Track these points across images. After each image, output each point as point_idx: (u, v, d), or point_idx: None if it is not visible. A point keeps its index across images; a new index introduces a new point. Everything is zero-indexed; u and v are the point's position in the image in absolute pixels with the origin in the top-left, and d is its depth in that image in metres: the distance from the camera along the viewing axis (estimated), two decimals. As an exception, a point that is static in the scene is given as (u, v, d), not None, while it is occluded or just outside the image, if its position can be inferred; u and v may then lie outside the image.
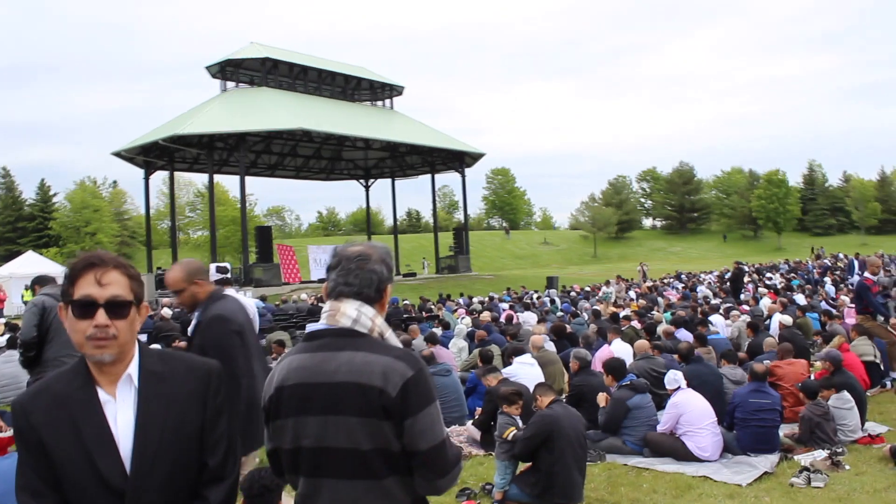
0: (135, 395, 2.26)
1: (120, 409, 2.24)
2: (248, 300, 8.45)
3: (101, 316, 2.18)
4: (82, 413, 2.20)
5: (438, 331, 15.30)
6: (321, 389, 2.31)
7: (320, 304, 22.81)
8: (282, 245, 44.03)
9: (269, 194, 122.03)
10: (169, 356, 2.45)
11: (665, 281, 36.17)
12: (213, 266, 8.25)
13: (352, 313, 2.40)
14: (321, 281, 39.18)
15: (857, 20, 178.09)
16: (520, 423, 6.94)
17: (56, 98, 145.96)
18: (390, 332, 2.47)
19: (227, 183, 69.37)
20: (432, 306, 24.17)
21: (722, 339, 13.10)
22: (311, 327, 2.49)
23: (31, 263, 37.19)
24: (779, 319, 13.26)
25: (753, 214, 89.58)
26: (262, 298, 22.74)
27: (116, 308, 2.21)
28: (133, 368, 2.28)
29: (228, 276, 8.32)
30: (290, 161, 47.17)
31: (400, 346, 2.45)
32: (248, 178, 38.99)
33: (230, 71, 40.92)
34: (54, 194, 75.24)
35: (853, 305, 16.05)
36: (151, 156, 39.41)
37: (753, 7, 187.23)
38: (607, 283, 28.58)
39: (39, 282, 7.23)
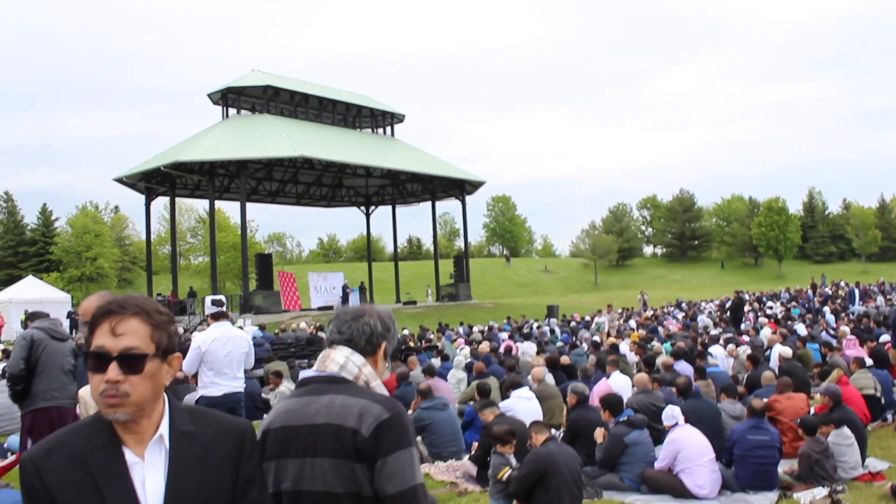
0: (165, 458, 2.03)
1: (149, 473, 2.01)
2: (237, 331, 8.43)
3: (112, 370, 1.97)
4: (106, 475, 1.97)
5: (437, 362, 15.24)
6: (301, 432, 2.36)
7: (320, 334, 22.74)
8: (282, 272, 44.06)
9: (269, 221, 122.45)
10: (200, 414, 2.22)
11: (666, 310, 36.09)
12: (208, 299, 8.30)
13: (340, 360, 2.46)
14: (321, 308, 39.26)
15: (857, 47, 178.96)
16: (514, 461, 6.88)
17: (59, 123, 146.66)
18: (378, 381, 2.50)
19: (228, 209, 69.61)
20: (431, 336, 24.10)
21: (722, 371, 13.02)
22: (302, 374, 2.56)
23: (32, 288, 37.19)
24: (779, 351, 13.19)
25: (754, 242, 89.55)
26: (262, 327, 22.66)
27: (130, 361, 1.98)
28: (164, 428, 2.06)
29: (223, 308, 8.29)
30: (291, 188, 47.31)
31: (385, 394, 2.47)
32: (249, 205, 39.16)
33: (232, 98, 41.19)
34: (56, 219, 75.38)
35: (853, 336, 16.00)
36: (153, 182, 39.61)
37: (752, 33, 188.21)
38: (599, 313, 28.15)
39: (32, 317, 7.22)
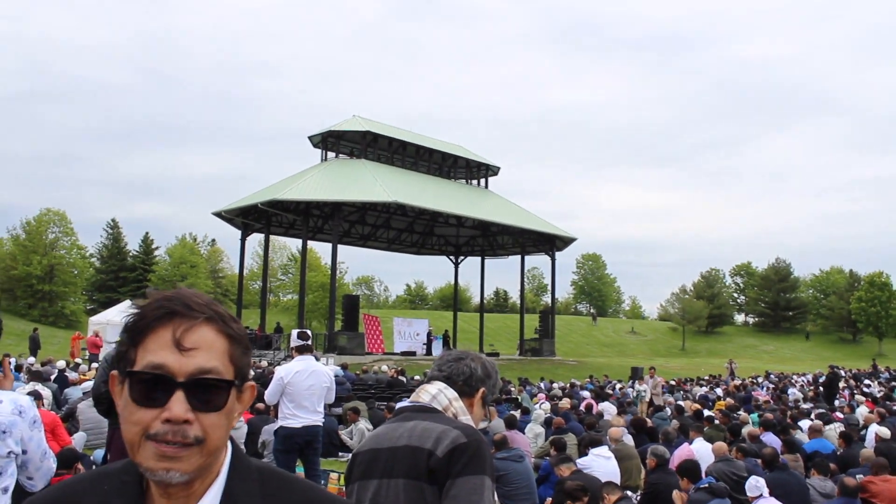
0: None
1: None
2: (320, 365, 8.53)
3: (179, 404, 1.27)
4: None
5: (517, 414, 15.09)
6: (383, 454, 2.41)
7: (400, 378, 22.82)
8: (368, 315, 44.46)
9: (359, 263, 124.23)
10: (276, 482, 1.45)
11: (754, 380, 34.99)
12: (294, 332, 8.43)
13: (433, 391, 2.52)
14: (404, 353, 39.41)
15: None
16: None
17: (166, 158, 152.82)
18: (467, 416, 2.53)
19: (320, 249, 70.85)
20: (512, 388, 23.89)
21: (827, 445, 12.50)
22: (398, 405, 2.62)
23: (129, 313, 38.47)
24: (875, 430, 12.60)
25: (853, 317, 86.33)
26: (344, 367, 22.83)
27: (205, 391, 1.31)
28: (214, 494, 1.35)
29: (308, 342, 8.42)
30: (383, 233, 47.96)
31: (471, 424, 2.49)
32: (340, 247, 39.84)
33: (331, 142, 42.20)
34: (156, 248, 77.95)
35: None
36: (249, 218, 40.74)
37: (857, 104, 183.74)
38: (641, 380, 24.76)
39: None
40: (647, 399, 21.87)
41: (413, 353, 40.77)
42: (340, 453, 13.71)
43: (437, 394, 2.49)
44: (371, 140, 41.69)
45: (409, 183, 41.02)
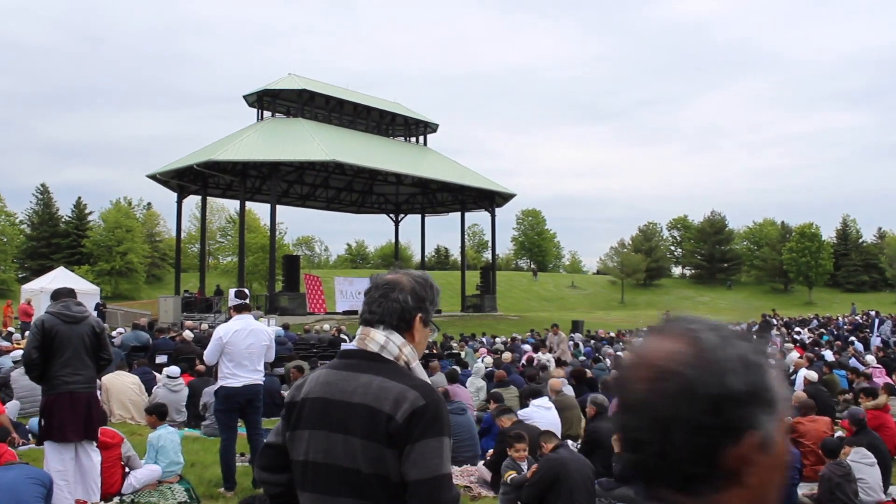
0: None
1: None
2: (259, 324, 8.48)
3: None
4: None
5: (459, 370, 15.22)
6: (337, 407, 2.35)
7: (342, 336, 22.80)
8: (309, 275, 44.14)
9: (299, 224, 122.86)
10: None
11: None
12: (231, 291, 8.35)
13: (380, 339, 2.43)
14: (346, 313, 39.36)
15: (891, 78, 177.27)
16: (524, 467, 6.85)
17: (101, 123, 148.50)
18: (417, 363, 2.49)
19: (259, 210, 70.01)
20: (454, 344, 24.06)
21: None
22: (344, 347, 2.55)
23: (62, 279, 37.48)
24: (804, 374, 13.04)
25: (784, 268, 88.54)
26: (285, 327, 22.76)
27: None
28: None
29: (247, 301, 8.35)
30: (322, 192, 47.57)
31: (424, 377, 2.45)
32: (279, 207, 39.42)
33: (267, 101, 41.58)
34: (90, 213, 76.18)
35: (880, 365, 15.80)
36: (185, 180, 40.02)
37: (791, 62, 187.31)
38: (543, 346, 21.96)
39: (55, 295, 7.10)
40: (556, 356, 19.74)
41: (355, 312, 40.66)
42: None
43: (385, 343, 2.42)
44: (308, 98, 41.15)
45: (347, 141, 40.66)
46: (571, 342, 27.11)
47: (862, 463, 8.25)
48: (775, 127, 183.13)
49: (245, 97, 42.00)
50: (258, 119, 41.70)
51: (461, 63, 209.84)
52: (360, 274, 63.98)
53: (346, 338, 22.68)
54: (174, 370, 12.45)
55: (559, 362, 17.20)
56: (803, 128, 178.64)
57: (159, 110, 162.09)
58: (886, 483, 8.53)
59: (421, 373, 2.46)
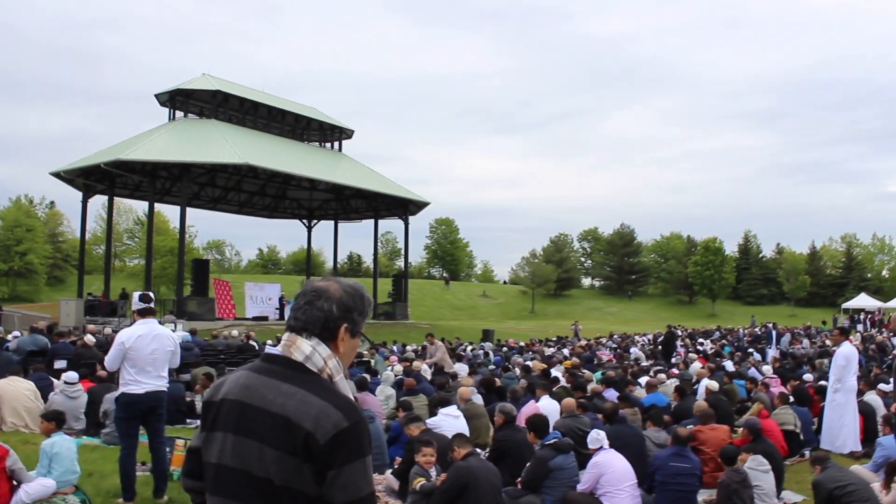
0: None
1: None
2: (163, 329, 8.26)
3: None
4: None
5: (369, 377, 15.16)
6: (255, 413, 2.26)
7: (251, 342, 22.47)
8: (218, 280, 43.45)
9: (209, 227, 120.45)
10: None
11: (599, 341, 36.46)
12: (136, 294, 8.04)
13: (306, 349, 2.35)
14: (256, 319, 38.82)
15: (796, 102, 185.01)
16: (433, 474, 6.86)
17: (6, 116, 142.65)
18: (342, 377, 2.40)
19: (168, 212, 68.49)
20: (364, 351, 23.96)
21: (661, 398, 13.20)
22: (269, 350, 2.46)
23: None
24: (706, 384, 13.40)
25: (689, 280, 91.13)
26: (193, 332, 22.29)
27: None
28: None
29: (151, 305, 8.11)
30: (234, 196, 46.87)
31: (347, 392, 2.38)
32: (189, 210, 38.63)
33: (180, 101, 40.75)
34: (-13, 210, 73.18)
35: (775, 376, 16.40)
36: (92, 179, 38.85)
37: (700, 81, 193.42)
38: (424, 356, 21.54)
39: None
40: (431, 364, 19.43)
41: (265, 318, 40.25)
42: (188, 420, 13.42)
43: (311, 354, 2.34)
44: (222, 100, 40.49)
45: (261, 144, 40.18)
46: (481, 351, 27.32)
47: (758, 470, 8.56)
48: (684, 143, 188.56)
49: (157, 96, 41.06)
50: (170, 119, 40.80)
51: (378, 70, 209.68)
52: (272, 279, 63.18)
53: (255, 344, 22.36)
54: (72, 375, 12.02)
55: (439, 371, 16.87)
56: (710, 145, 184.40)
57: (67, 106, 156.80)
58: (779, 488, 8.88)
59: (344, 387, 2.39)
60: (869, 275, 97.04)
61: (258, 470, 2.22)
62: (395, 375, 15.23)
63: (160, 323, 8.61)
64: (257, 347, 21.47)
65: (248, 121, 42.42)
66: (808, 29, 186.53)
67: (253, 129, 42.33)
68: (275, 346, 2.41)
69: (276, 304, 43.21)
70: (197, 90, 40.31)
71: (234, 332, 24.87)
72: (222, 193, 45.89)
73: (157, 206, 43.10)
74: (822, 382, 14.18)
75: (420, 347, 26.56)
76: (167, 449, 8.65)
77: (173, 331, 14.13)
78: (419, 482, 6.72)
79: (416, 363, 17.82)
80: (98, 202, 47.68)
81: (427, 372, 17.45)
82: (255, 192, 47.36)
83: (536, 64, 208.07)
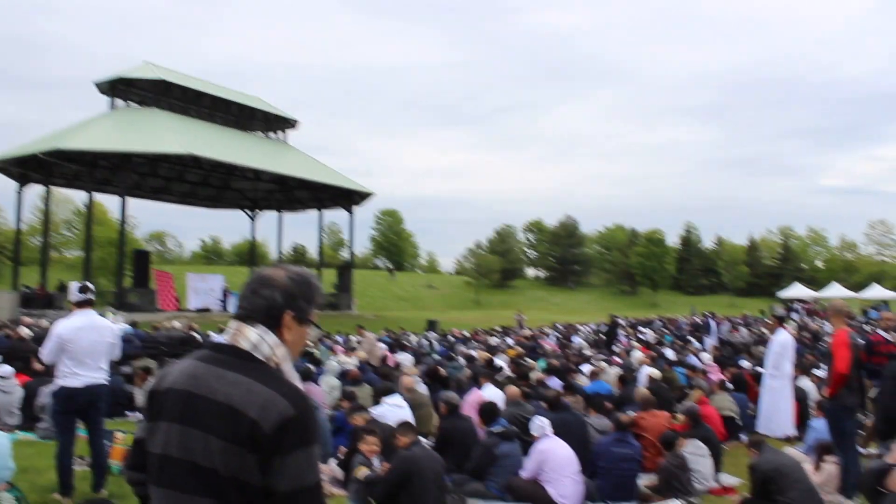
0: None
1: None
2: (103, 320, 8.11)
3: None
4: None
5: (312, 368, 15.08)
6: (200, 402, 2.23)
7: (193, 334, 22.18)
8: (160, 271, 42.80)
9: (151, 218, 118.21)
10: None
11: (543, 331, 36.76)
12: (73, 285, 7.87)
13: (253, 338, 2.33)
14: (199, 310, 38.35)
15: (735, 98, 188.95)
16: (376, 463, 6.87)
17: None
18: (289, 365, 2.38)
19: (108, 203, 67.19)
20: (309, 342, 23.82)
21: (604, 385, 13.38)
22: (216, 338, 2.43)
23: None
24: (647, 372, 13.63)
25: (632, 271, 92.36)
26: (133, 324, 21.90)
27: None
28: None
29: (90, 296, 7.94)
30: (177, 186, 46.22)
31: (295, 381, 2.35)
32: (130, 200, 38.07)
33: (121, 89, 39.93)
34: (-85, 201, 70.88)
35: (714, 363, 16.75)
36: (28, 168, 37.96)
37: (643, 76, 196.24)
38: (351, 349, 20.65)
39: None
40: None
41: (208, 310, 39.77)
42: (128, 413, 13.21)
43: (258, 342, 2.32)
44: (164, 89, 39.84)
45: (204, 134, 39.66)
46: (426, 341, 27.37)
47: (696, 454, 8.77)
48: (627, 137, 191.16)
49: (97, 84, 40.18)
50: (111, 108, 39.98)
51: (325, 61, 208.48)
52: (215, 271, 62.39)
53: (197, 336, 22.07)
54: (6, 369, 11.75)
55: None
56: (652, 139, 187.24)
57: (2, 92, 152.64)
58: (717, 471, 9.12)
59: (292, 376, 2.36)
60: (804, 266, 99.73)
61: (203, 460, 2.19)
62: (340, 366, 15.18)
63: (100, 315, 8.45)
64: (200, 339, 21.19)
65: (191, 110, 41.79)
66: (748, 28, 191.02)
67: (196, 118, 41.73)
68: (208, 338, 2.36)
69: (219, 295, 42.74)
70: (139, 79, 39.60)
71: (176, 324, 24.51)
72: (164, 183, 45.22)
73: (97, 196, 42.33)
74: (759, 369, 14.50)
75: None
76: (106, 443, 8.51)
77: (113, 322, 13.91)
78: (361, 471, 6.72)
79: (360, 354, 17.77)
80: (35, 192, 46.59)
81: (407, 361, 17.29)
82: (198, 183, 46.76)
83: (483, 57, 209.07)
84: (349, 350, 20.35)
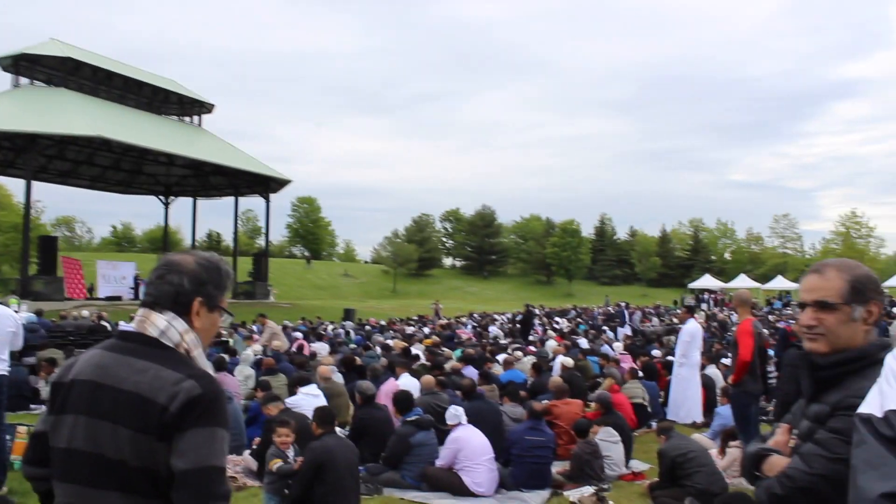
0: None
1: None
2: (3, 308, 7.83)
3: None
4: None
5: (227, 357, 14.88)
6: (107, 392, 2.17)
7: (103, 323, 21.64)
8: (68, 258, 41.42)
9: (59, 203, 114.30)
10: None
11: (459, 320, 36.99)
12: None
13: (160, 324, 2.28)
14: (109, 298, 37.32)
15: (651, 93, 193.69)
16: (290, 454, 6.83)
17: None
18: (200, 351, 2.33)
19: (12, 186, 64.80)
20: (223, 331, 23.47)
21: (518, 374, 13.54)
22: (122, 327, 2.37)
23: None
24: (561, 361, 13.86)
25: (548, 261, 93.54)
26: (38, 313, 21.24)
27: None
28: None
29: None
30: (86, 170, 44.80)
31: (206, 367, 2.31)
32: (35, 184, 36.70)
33: (25, 66, 38.33)
34: None
35: (626, 352, 17.15)
36: (-77, 149, 36.26)
37: (563, 69, 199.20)
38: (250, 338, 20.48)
39: None
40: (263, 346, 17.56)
41: (119, 298, 38.74)
42: (32, 406, 12.81)
43: (166, 328, 2.27)
44: (72, 67, 38.43)
45: (115, 116, 38.48)
46: (343, 330, 27.26)
47: (608, 441, 8.98)
48: (545, 128, 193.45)
49: (-1, 60, 38.61)
50: (13, 86, 38.42)
51: (244, 45, 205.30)
52: (126, 258, 60.81)
53: (107, 325, 21.53)
54: None
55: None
56: (570, 131, 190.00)
57: None
58: (628, 457, 9.34)
59: (203, 362, 2.32)
60: (713, 257, 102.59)
61: (112, 452, 2.13)
62: (255, 355, 15.02)
63: (1, 303, 8.16)
64: (110, 328, 20.66)
65: (101, 91, 40.47)
66: (664, 26, 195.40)
67: (107, 99, 40.45)
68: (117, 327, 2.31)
69: (130, 283, 41.67)
70: (45, 56, 38.02)
71: (85, 313, 23.87)
72: (73, 167, 43.78)
73: (0, 179, 40.73)
74: (669, 358, 14.91)
75: (281, 327, 26.24)
76: (7, 437, 8.22)
77: (16, 311, 13.46)
78: (276, 463, 6.67)
79: (275, 343, 17.59)
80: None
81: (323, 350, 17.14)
82: (108, 167, 45.44)
83: (404, 45, 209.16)
84: (247, 339, 20.06)
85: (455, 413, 8.49)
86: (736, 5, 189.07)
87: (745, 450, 2.59)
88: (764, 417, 10.90)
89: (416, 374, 11.96)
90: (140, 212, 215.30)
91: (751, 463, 2.45)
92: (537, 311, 38.34)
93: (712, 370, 14.31)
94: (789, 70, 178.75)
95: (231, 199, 48.20)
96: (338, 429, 8.64)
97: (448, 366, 13.42)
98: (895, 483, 1.40)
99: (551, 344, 19.50)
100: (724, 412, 10.11)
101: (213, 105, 46.89)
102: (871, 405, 1.68)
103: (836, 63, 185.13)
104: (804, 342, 2.46)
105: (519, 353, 16.31)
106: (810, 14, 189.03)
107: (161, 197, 50.18)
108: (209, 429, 2.14)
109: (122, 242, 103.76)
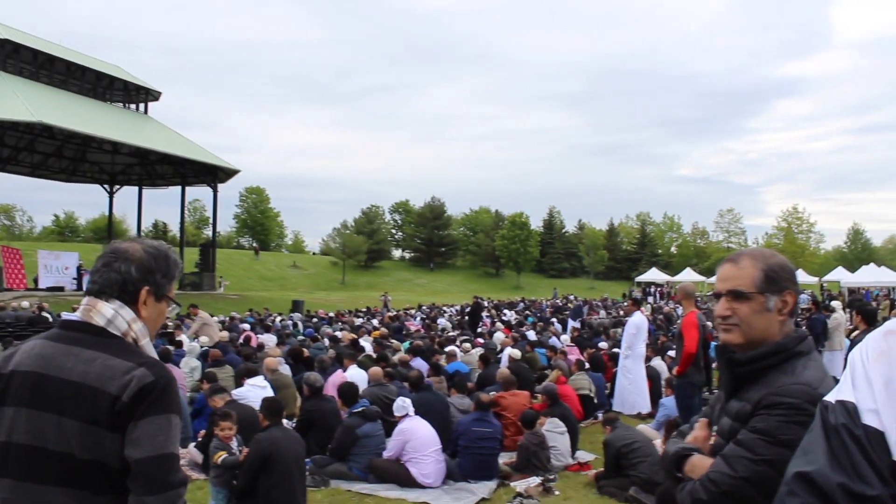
0: None
1: None
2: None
3: None
4: None
5: (172, 349, 14.68)
6: (52, 384, 2.12)
7: (43, 314, 21.20)
8: (7, 247, 40.46)
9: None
10: None
11: (408, 312, 36.98)
12: None
13: (107, 313, 2.23)
14: (51, 289, 36.54)
15: (601, 87, 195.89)
16: (234, 446, 6.78)
17: None
18: (147, 340, 2.29)
19: (-52, 174, 63.00)
20: (169, 322, 23.15)
21: (462, 367, 13.58)
22: (66, 316, 2.29)
23: None
24: (509, 353, 13.93)
25: (497, 253, 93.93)
26: (-24, 303, 20.74)
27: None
28: None
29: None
30: (26, 157, 43.68)
31: (153, 355, 2.27)
32: (-28, 171, 35.72)
33: (-41, 49, 37.30)
34: None
35: (573, 344, 17.31)
36: None
37: (514, 62, 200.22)
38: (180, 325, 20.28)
39: None
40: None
41: (61, 289, 37.94)
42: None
43: (113, 317, 2.22)
44: (11, 50, 37.43)
45: (57, 102, 37.60)
46: (290, 321, 27.07)
47: (555, 432, 9.07)
48: (496, 121, 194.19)
49: (-69, 42, 37.44)
50: (-53, 69, 37.38)
51: (193, 33, 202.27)
52: (69, 248, 59.60)
53: (48, 316, 21.10)
54: None
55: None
56: (521, 124, 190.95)
57: None
58: (574, 448, 9.44)
59: (150, 351, 2.29)
60: (660, 251, 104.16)
61: (56, 444, 2.09)
62: (201, 347, 14.85)
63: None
64: (51, 319, 20.25)
65: (42, 76, 39.53)
66: (615, 22, 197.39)
67: (48, 84, 39.51)
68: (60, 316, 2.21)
69: (73, 273, 40.80)
70: (-20, 38, 37.08)
71: (25, 304, 23.36)
72: (12, 153, 42.64)
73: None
74: (616, 350, 15.08)
75: (228, 318, 25.97)
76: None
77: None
78: (220, 456, 6.61)
79: (222, 334, 17.42)
80: None
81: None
82: (50, 154, 44.40)
83: (356, 36, 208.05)
84: (177, 329, 19.69)
85: (402, 405, 8.50)
86: (686, 3, 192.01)
87: (665, 449, 2.57)
88: (706, 408, 11.09)
89: (364, 366, 11.93)
90: (83, 200, 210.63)
91: (672, 464, 2.40)
92: (485, 304, 38.51)
93: (657, 362, 14.52)
94: (735, 67, 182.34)
95: (178, 188, 47.49)
96: (285, 420, 8.60)
97: (396, 357, 13.43)
98: (814, 466, 1.41)
99: (499, 336, 19.59)
100: (669, 403, 10.27)
101: (159, 93, 46.12)
102: (837, 393, 1.65)
103: (780, 62, 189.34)
104: (719, 333, 2.45)
105: (467, 345, 16.35)
106: (757, 13, 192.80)
107: (105, 186, 49.24)
108: (164, 416, 2.12)
109: (64, 232, 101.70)
